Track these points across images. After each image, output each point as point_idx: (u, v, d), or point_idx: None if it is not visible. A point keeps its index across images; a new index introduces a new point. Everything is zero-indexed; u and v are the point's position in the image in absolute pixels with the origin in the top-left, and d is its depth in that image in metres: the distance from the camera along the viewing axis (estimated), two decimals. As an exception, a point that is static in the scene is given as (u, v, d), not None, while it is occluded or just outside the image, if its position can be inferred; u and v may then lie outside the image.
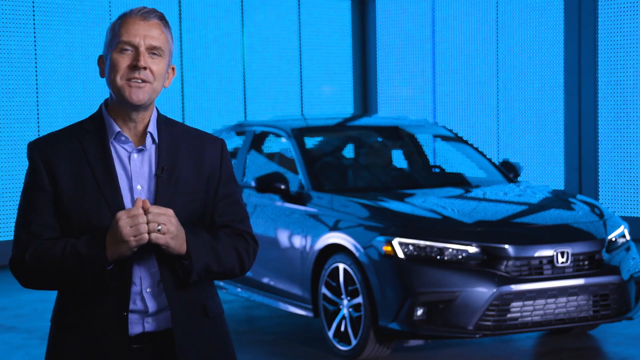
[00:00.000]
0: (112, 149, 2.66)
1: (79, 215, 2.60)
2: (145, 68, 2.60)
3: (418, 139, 8.34)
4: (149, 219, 2.51)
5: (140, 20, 2.63)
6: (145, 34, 2.62)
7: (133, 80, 2.61)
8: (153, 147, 2.70)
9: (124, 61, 2.61)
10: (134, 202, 2.64)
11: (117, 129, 2.66)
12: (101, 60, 2.70)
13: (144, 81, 2.61)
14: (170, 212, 2.54)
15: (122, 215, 2.49)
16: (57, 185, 2.63)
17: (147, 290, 2.65)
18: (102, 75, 2.70)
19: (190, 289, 2.69)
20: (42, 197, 2.64)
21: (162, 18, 2.68)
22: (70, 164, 2.64)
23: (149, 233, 2.51)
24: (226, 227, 2.75)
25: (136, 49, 2.61)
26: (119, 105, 2.66)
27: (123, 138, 2.66)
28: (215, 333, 2.76)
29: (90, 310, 2.64)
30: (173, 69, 2.74)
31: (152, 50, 2.63)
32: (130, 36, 2.61)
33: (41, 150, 2.66)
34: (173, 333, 2.65)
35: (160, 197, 2.64)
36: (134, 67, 2.60)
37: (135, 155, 2.67)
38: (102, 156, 2.65)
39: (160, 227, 2.51)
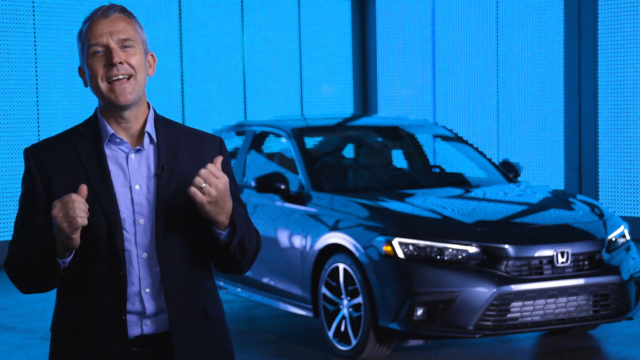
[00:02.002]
0: (107, 151, 2.65)
1: None
2: (121, 63, 2.59)
3: (418, 139, 8.34)
4: (201, 174, 2.49)
5: (102, 19, 2.61)
6: (111, 30, 2.60)
7: (114, 78, 2.59)
8: (151, 147, 2.68)
9: (99, 63, 2.60)
10: (133, 202, 2.63)
11: (111, 131, 2.65)
12: (81, 72, 2.69)
13: (127, 77, 2.60)
14: (224, 180, 2.52)
15: (55, 204, 2.45)
16: (52, 192, 2.63)
17: (147, 291, 2.64)
18: (85, 85, 2.68)
19: (191, 291, 2.68)
20: (36, 205, 2.65)
21: (123, 10, 2.66)
22: (65, 169, 2.64)
23: (195, 187, 2.48)
24: None
25: (106, 47, 2.60)
26: (109, 108, 2.65)
27: (118, 140, 2.65)
28: (215, 336, 2.74)
29: (87, 316, 2.63)
30: (152, 55, 2.72)
31: (124, 43, 2.61)
32: (97, 37, 2.60)
33: (36, 156, 2.66)
34: (170, 337, 2.64)
35: (160, 196, 2.63)
36: (111, 65, 2.59)
37: (132, 156, 2.66)
38: (96, 159, 2.64)
39: (204, 186, 2.49)
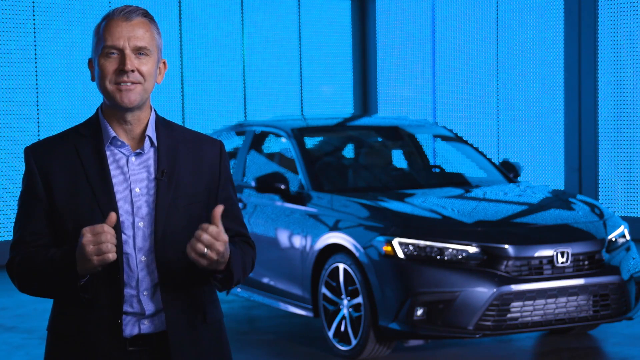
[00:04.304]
0: (108, 153, 2.65)
1: (74, 222, 2.59)
2: (133, 71, 2.58)
3: (418, 139, 8.34)
4: (203, 241, 2.45)
5: (123, 21, 2.59)
6: (129, 35, 2.58)
7: (122, 84, 2.58)
8: (152, 150, 2.68)
9: (110, 65, 2.59)
10: (133, 205, 2.63)
11: (113, 133, 2.64)
12: (91, 64, 2.68)
13: (133, 83, 2.59)
14: (225, 239, 2.48)
15: (85, 232, 2.43)
16: (52, 192, 2.62)
17: (144, 293, 2.64)
18: (92, 79, 2.67)
19: (189, 294, 2.68)
20: (36, 204, 2.64)
21: (145, 15, 2.64)
22: (65, 169, 2.63)
23: (197, 253, 2.45)
24: (229, 230, 2.75)
25: (122, 52, 2.58)
26: (112, 109, 2.64)
27: (119, 142, 2.65)
28: (212, 339, 2.74)
29: (83, 318, 2.63)
30: (164, 63, 2.71)
31: (139, 51, 2.60)
32: (114, 39, 2.58)
33: (37, 156, 2.66)
34: (167, 337, 2.64)
35: (160, 200, 2.63)
36: (121, 71, 2.57)
37: (133, 159, 2.66)
38: (97, 161, 2.63)
39: (207, 252, 2.46)
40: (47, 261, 2.56)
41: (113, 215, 2.44)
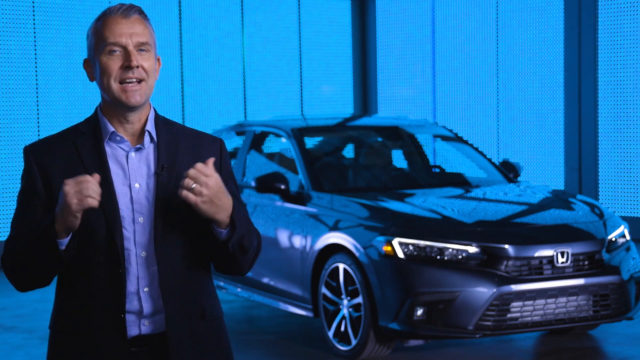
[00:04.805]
0: (107, 149, 2.65)
1: None
2: (137, 67, 2.59)
3: (418, 139, 8.34)
4: (190, 174, 2.46)
5: (122, 18, 2.60)
6: (131, 32, 2.60)
7: (127, 80, 2.59)
8: (151, 146, 2.68)
9: (114, 63, 2.59)
10: (133, 201, 2.62)
11: (112, 129, 2.64)
12: (87, 64, 2.68)
13: (138, 81, 2.60)
14: (215, 177, 2.49)
15: (69, 182, 2.45)
16: (52, 190, 2.62)
17: (145, 290, 2.63)
18: (91, 79, 2.68)
19: (188, 290, 2.68)
20: (35, 202, 2.63)
21: (141, 12, 2.66)
22: (65, 167, 2.63)
23: (186, 189, 2.46)
24: None
25: (125, 48, 2.59)
26: (114, 107, 2.64)
27: (118, 138, 2.65)
28: (213, 337, 2.73)
29: (86, 314, 2.62)
30: (159, 60, 2.72)
31: (140, 47, 2.61)
32: (116, 37, 2.59)
33: (36, 155, 2.66)
34: (167, 337, 2.64)
35: (160, 195, 2.63)
36: (127, 67, 2.58)
37: (133, 154, 2.66)
38: (96, 158, 2.63)
39: (194, 186, 2.47)
40: (33, 231, 2.55)
41: (97, 175, 2.47)
